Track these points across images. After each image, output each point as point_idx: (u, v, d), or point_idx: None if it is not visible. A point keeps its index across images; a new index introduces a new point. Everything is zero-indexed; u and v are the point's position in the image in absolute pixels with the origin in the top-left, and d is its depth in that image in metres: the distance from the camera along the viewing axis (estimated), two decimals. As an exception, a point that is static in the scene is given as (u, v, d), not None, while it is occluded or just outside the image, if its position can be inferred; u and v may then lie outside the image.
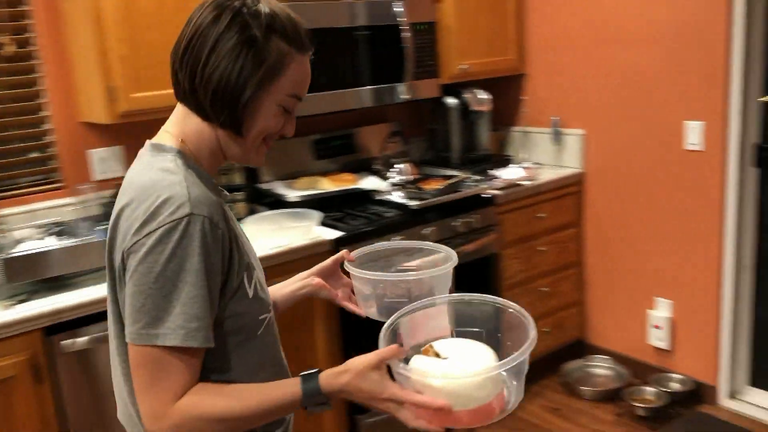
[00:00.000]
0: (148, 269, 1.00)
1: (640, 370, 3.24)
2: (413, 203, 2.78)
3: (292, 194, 2.79)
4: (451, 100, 3.30)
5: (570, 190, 3.32)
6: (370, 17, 2.82)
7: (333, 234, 2.54)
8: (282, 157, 2.99)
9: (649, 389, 3.03)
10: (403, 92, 2.97)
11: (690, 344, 3.07)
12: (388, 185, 3.00)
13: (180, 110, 1.14)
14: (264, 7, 1.09)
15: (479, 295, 1.24)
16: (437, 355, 1.12)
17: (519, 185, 3.11)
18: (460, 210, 2.88)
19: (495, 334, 1.21)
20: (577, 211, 3.38)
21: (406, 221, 2.72)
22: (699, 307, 2.99)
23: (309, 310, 2.49)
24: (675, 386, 3.07)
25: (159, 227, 1.00)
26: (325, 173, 3.03)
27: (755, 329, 2.96)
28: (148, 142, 1.16)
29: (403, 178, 3.06)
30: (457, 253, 1.43)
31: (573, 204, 3.36)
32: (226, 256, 1.07)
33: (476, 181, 3.09)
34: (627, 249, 3.24)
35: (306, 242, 2.46)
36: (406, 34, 2.86)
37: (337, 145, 3.16)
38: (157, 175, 1.05)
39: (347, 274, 1.42)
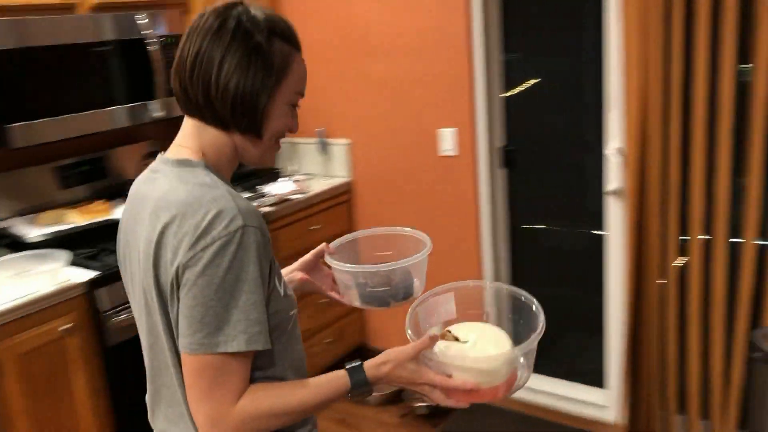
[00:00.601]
0: (207, 282, 1.03)
1: (419, 367, 3.37)
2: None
3: (34, 232, 2.46)
4: (211, 115, 3.15)
5: (340, 199, 3.35)
6: (113, 31, 2.57)
7: (86, 275, 2.27)
8: (19, 189, 2.63)
9: (429, 386, 3.16)
10: (156, 110, 2.76)
11: (461, 337, 3.25)
12: (149, 211, 2.78)
13: (192, 124, 1.17)
14: (258, 13, 1.13)
15: (490, 282, 1.45)
16: (456, 339, 1.25)
17: (290, 200, 3.06)
18: (230, 231, 2.76)
19: (500, 314, 1.40)
20: (349, 219, 3.43)
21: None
22: (466, 301, 3.18)
23: (63, 364, 2.21)
24: (451, 379, 3.24)
25: (215, 241, 1.03)
26: (73, 204, 2.73)
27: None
28: (165, 158, 1.17)
29: (166, 201, 2.86)
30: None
31: (344, 213, 3.39)
32: (270, 260, 1.11)
33: (246, 198, 2.98)
34: (398, 252, 3.34)
35: (54, 288, 2.17)
36: (154, 48, 2.66)
37: (85, 170, 2.85)
38: (197, 191, 1.08)
39: (329, 266, 1.46)
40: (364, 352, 3.57)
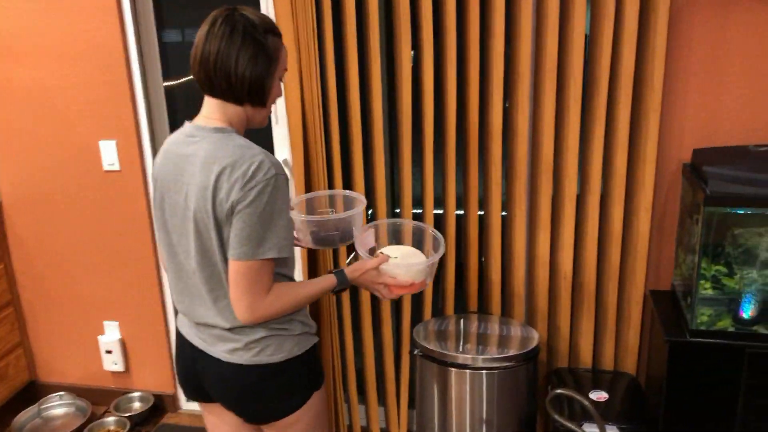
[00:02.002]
0: (252, 211, 1.46)
1: (102, 398, 3.11)
2: None
3: None
4: None
5: (-14, 223, 2.90)
6: None
7: None
8: None
9: (111, 419, 2.92)
10: None
11: (144, 360, 3.06)
12: None
13: (215, 102, 1.54)
14: (252, 16, 1.51)
15: (400, 219, 2.04)
16: (388, 257, 1.75)
17: None
18: None
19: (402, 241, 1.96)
20: (0, 247, 2.98)
21: None
22: (146, 321, 2.99)
23: None
24: (136, 406, 3.04)
25: (258, 184, 1.45)
26: None
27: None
28: (200, 126, 1.54)
29: None
30: None
31: (-8, 239, 2.95)
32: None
33: None
34: (64, 278, 3.01)
35: None
36: None
37: None
38: (239, 150, 1.48)
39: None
40: (36, 389, 3.18)
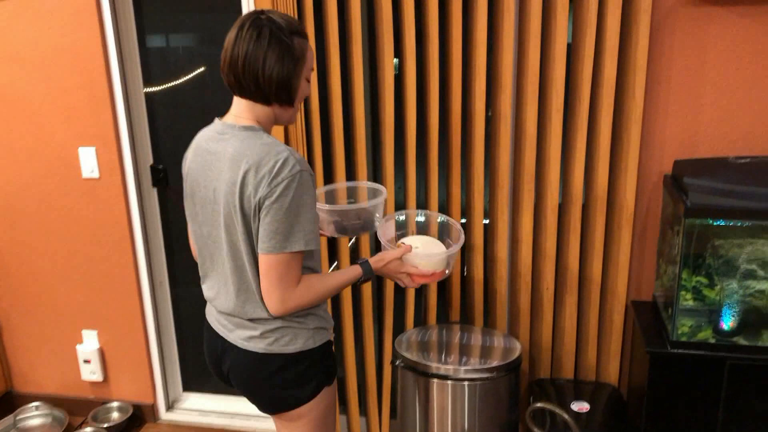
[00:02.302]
0: (279, 207, 1.51)
1: (80, 408, 3.06)
2: None
3: None
4: None
5: (-39, 230, 2.85)
6: None
7: None
8: None
9: (88, 430, 2.87)
10: None
11: (123, 370, 3.02)
12: None
13: (244, 102, 1.60)
14: (279, 19, 1.55)
15: (418, 210, 2.14)
16: (410, 247, 1.82)
17: None
18: None
19: (424, 232, 2.07)
20: (-24, 253, 2.94)
21: None
22: (125, 330, 2.95)
23: None
24: (115, 416, 3.00)
25: (284, 180, 1.50)
26: None
27: (179, 339, 3.09)
28: (230, 124, 1.60)
29: None
30: None
31: (-32, 246, 2.90)
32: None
33: None
34: (42, 286, 2.97)
35: None
36: None
37: None
38: (265, 147, 1.53)
39: None
40: (14, 398, 3.13)
